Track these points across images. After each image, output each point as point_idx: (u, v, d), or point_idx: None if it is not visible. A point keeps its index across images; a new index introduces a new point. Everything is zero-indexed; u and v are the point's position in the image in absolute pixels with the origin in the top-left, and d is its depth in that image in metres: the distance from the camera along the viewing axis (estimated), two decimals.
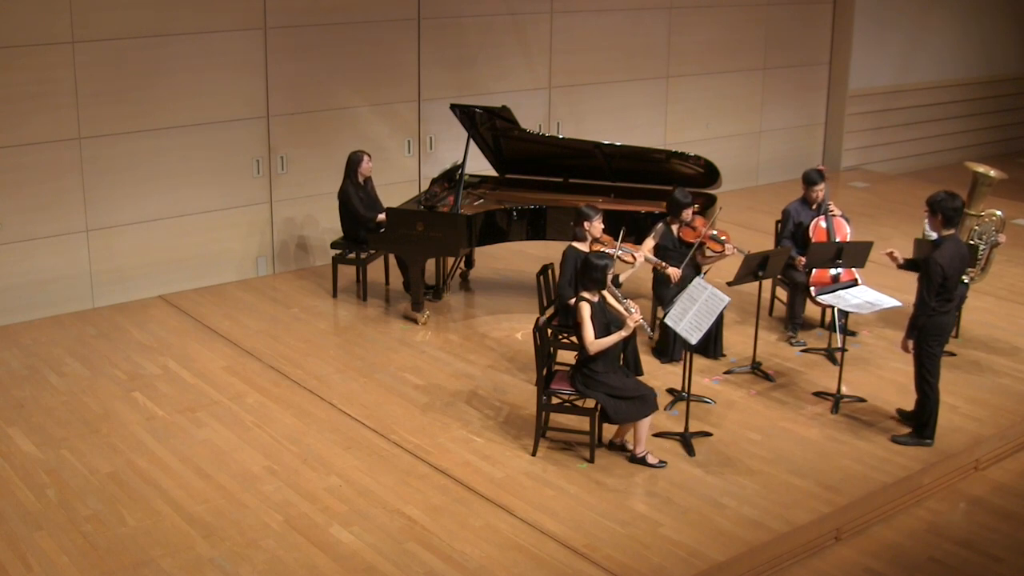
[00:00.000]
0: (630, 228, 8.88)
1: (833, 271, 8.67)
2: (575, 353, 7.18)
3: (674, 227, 8.55)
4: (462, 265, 10.48)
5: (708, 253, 8.52)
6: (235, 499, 6.50)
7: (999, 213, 9.05)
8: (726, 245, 8.48)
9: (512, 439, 7.28)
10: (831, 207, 8.90)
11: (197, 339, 8.95)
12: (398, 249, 9.44)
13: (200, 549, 5.99)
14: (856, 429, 7.52)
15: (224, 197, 10.21)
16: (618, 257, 7.87)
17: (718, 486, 6.73)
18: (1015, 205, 12.94)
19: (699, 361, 8.44)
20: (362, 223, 9.63)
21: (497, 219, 9.31)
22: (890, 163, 15.70)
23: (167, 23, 9.51)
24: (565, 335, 7.77)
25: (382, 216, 9.54)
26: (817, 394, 8.01)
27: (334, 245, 9.95)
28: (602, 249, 7.70)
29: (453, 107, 9.57)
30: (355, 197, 9.60)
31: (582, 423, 7.19)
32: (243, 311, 9.59)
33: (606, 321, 6.86)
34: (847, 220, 9.00)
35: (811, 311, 9.23)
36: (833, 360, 8.52)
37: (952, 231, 7.15)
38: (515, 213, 9.34)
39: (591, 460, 6.98)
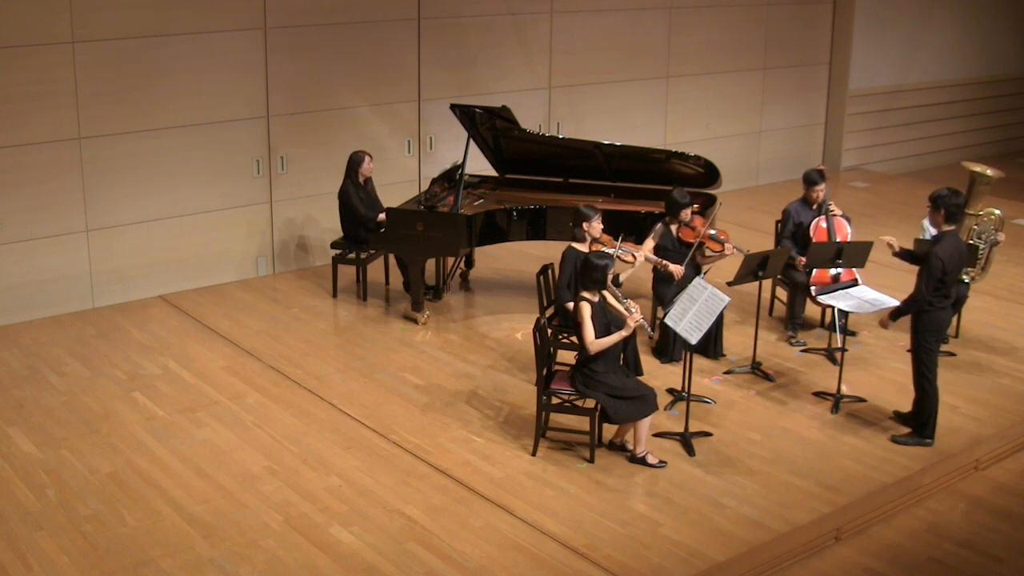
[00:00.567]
0: (630, 228, 8.88)
1: (833, 271, 8.66)
2: (575, 353, 7.18)
3: (673, 227, 8.55)
4: (462, 265, 10.48)
5: (708, 253, 8.52)
6: (235, 499, 6.50)
7: (997, 212, 9.06)
8: (726, 245, 8.49)
9: (512, 439, 7.28)
10: (832, 207, 8.90)
11: (197, 339, 8.95)
12: (398, 249, 9.44)
13: (200, 549, 5.99)
14: (856, 429, 7.52)
15: (224, 197, 10.21)
16: (618, 257, 7.87)
17: (718, 486, 6.73)
18: (1015, 205, 12.94)
19: (699, 361, 8.44)
20: (362, 223, 9.63)
21: (497, 219, 9.31)
22: (890, 163, 15.70)
23: (167, 23, 9.51)
24: (565, 335, 7.77)
25: (382, 216, 9.54)
26: (817, 394, 8.01)
27: (334, 245, 9.95)
28: (602, 249, 7.70)
29: (453, 107, 9.57)
30: (355, 197, 9.60)
31: (582, 423, 7.19)
32: (243, 311, 9.59)
33: (606, 321, 6.86)
34: (848, 220, 9.01)
35: (811, 311, 9.23)
36: (833, 360, 8.52)
37: (952, 227, 7.16)
38: (515, 213, 9.34)
39: (591, 460, 6.98)
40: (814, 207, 8.95)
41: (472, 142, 9.59)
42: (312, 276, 10.58)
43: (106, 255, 9.60)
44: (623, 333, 6.77)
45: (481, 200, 9.72)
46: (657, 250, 8.49)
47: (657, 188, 9.66)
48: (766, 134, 14.55)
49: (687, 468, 6.95)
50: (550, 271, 8.34)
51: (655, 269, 8.53)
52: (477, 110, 9.41)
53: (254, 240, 10.50)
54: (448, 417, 7.60)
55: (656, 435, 7.25)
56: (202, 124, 9.92)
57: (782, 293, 9.41)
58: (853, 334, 9.06)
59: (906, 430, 7.43)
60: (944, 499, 6.97)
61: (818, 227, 8.83)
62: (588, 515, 6.38)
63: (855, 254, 8.09)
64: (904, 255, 7.56)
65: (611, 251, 7.59)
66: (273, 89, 10.28)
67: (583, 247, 7.90)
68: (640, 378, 7.36)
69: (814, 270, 8.62)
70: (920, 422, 7.32)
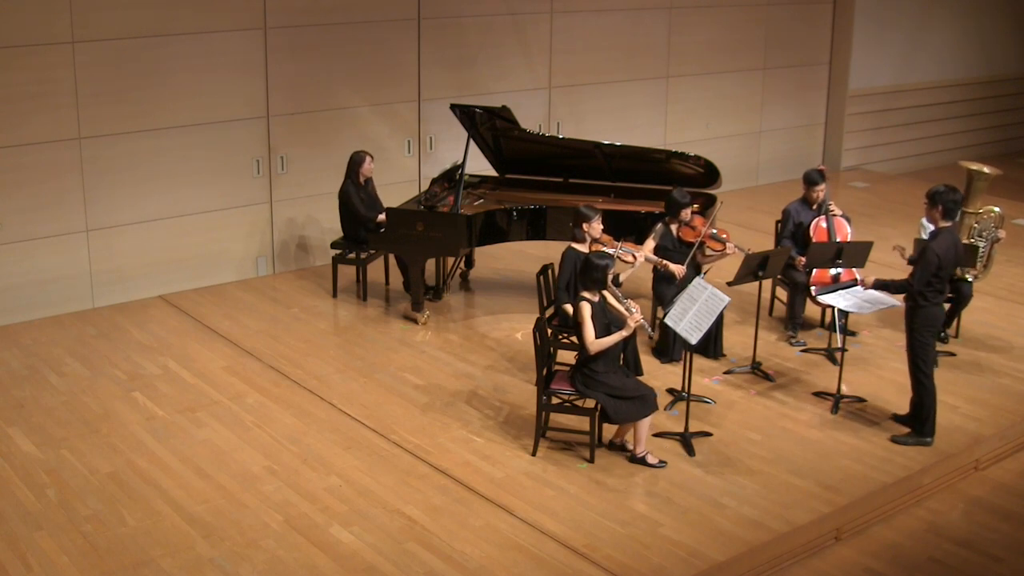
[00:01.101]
0: (630, 228, 8.88)
1: (833, 271, 8.66)
2: (575, 353, 7.18)
3: (673, 227, 8.55)
4: (462, 265, 10.48)
5: (708, 252, 8.52)
6: (235, 499, 6.50)
7: (997, 209, 9.06)
8: (727, 244, 8.48)
9: (512, 439, 7.28)
10: (832, 207, 8.90)
11: (197, 339, 8.95)
12: (398, 249, 9.44)
13: (200, 549, 5.99)
14: (856, 429, 7.52)
15: (224, 197, 10.21)
16: (618, 257, 7.87)
17: (718, 486, 6.74)
18: (1015, 205, 12.94)
19: (699, 361, 8.44)
20: (362, 223, 9.63)
21: (497, 219, 9.31)
22: (890, 163, 15.70)
23: (167, 23, 9.51)
24: (565, 335, 7.77)
25: (382, 216, 9.54)
26: (817, 394, 8.01)
27: (334, 245, 9.95)
28: (602, 249, 7.70)
29: (453, 107, 9.57)
30: (355, 197, 9.60)
31: (582, 423, 7.19)
32: (243, 311, 9.59)
33: (607, 321, 6.86)
34: (848, 220, 9.01)
35: (811, 311, 9.23)
36: (833, 360, 8.52)
37: (949, 223, 7.18)
38: (515, 213, 9.34)
39: (591, 460, 6.98)
40: (814, 207, 8.95)
41: (472, 142, 9.58)
42: (312, 276, 10.58)
43: (106, 255, 9.60)
44: (623, 333, 6.77)
45: (481, 200, 9.72)
46: (657, 250, 8.48)
47: (657, 188, 9.67)
48: (766, 134, 14.55)
49: (687, 468, 6.95)
50: (550, 271, 8.34)
51: (655, 269, 8.53)
52: (477, 110, 9.41)
53: (254, 240, 10.50)
54: (448, 417, 7.60)
55: (656, 435, 7.25)
56: (202, 124, 9.92)
57: (782, 293, 9.41)
58: (853, 334, 9.06)
59: (906, 430, 7.43)
60: (944, 499, 6.97)
61: (818, 227, 8.83)
62: (588, 515, 6.38)
63: (855, 254, 8.09)
64: (914, 261, 7.58)
65: (611, 251, 7.59)
66: (273, 89, 10.28)
67: (583, 247, 7.90)
68: (640, 378, 7.36)
69: (814, 270, 8.62)
70: (919, 419, 7.32)
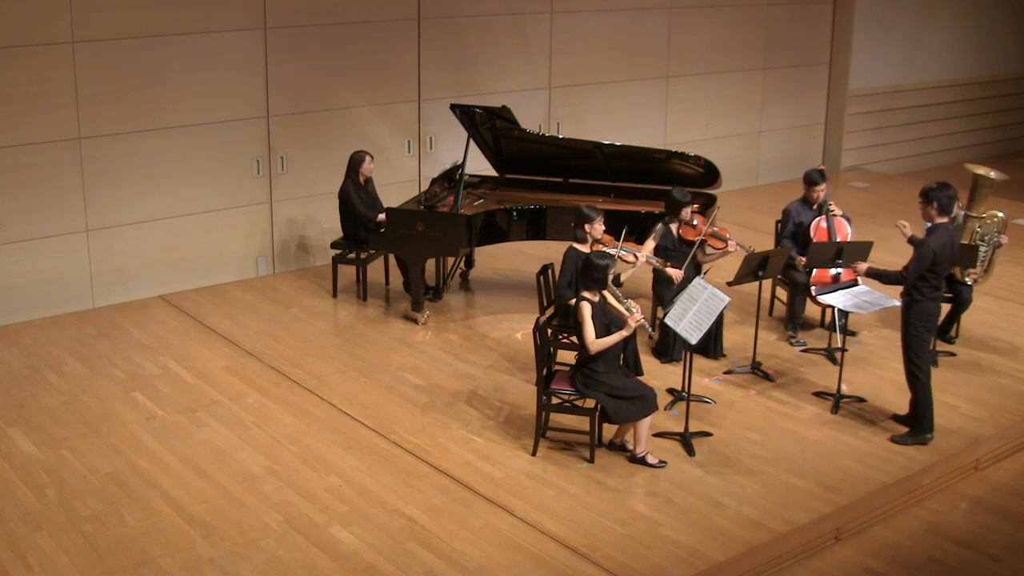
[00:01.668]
0: (630, 228, 8.88)
1: (833, 271, 8.66)
2: (575, 353, 7.18)
3: (673, 227, 8.55)
4: (462, 265, 10.48)
5: (709, 251, 8.51)
6: (235, 499, 6.50)
7: (1000, 214, 9.03)
8: (728, 242, 8.48)
9: (512, 439, 7.28)
10: (832, 207, 8.90)
11: (197, 339, 8.95)
12: (398, 249, 9.44)
13: (200, 549, 5.99)
14: (856, 429, 7.52)
15: (224, 197, 10.21)
16: (619, 257, 7.87)
17: (718, 486, 6.74)
18: (1016, 205, 12.94)
19: (699, 361, 8.44)
20: (362, 223, 9.63)
21: (497, 219, 9.31)
22: (890, 163, 15.70)
23: (167, 23, 9.51)
24: (565, 335, 7.77)
25: (382, 216, 9.54)
26: (817, 394, 8.01)
27: (334, 245, 9.95)
28: (603, 249, 7.70)
29: (453, 107, 9.57)
30: (355, 197, 9.60)
31: (582, 423, 7.19)
32: (243, 311, 9.59)
33: (607, 321, 6.86)
34: (848, 220, 9.01)
35: (811, 311, 9.23)
36: (833, 360, 8.52)
37: (946, 219, 7.18)
38: (515, 213, 9.34)
39: (591, 460, 6.98)
40: (814, 207, 8.95)
41: (472, 142, 9.59)
42: (312, 276, 10.58)
43: (106, 255, 9.60)
44: (623, 333, 6.77)
45: (481, 200, 9.72)
46: (658, 250, 8.48)
47: (657, 188, 9.67)
48: (766, 134, 14.55)
49: (687, 468, 6.95)
50: (550, 271, 8.34)
51: (655, 269, 8.52)
52: (477, 110, 9.41)
53: (254, 240, 10.50)
54: (448, 417, 7.60)
55: (656, 435, 7.25)
56: (202, 124, 9.92)
57: (782, 293, 9.41)
58: (853, 334, 9.06)
59: (905, 430, 7.43)
60: (944, 499, 6.97)
61: (818, 227, 8.83)
62: (588, 515, 6.38)
63: (855, 254, 8.09)
64: (914, 241, 7.61)
65: (612, 251, 7.59)
66: (273, 89, 10.28)
67: (584, 248, 7.90)
68: (640, 378, 7.36)
69: (814, 270, 8.62)
70: (917, 415, 7.32)
